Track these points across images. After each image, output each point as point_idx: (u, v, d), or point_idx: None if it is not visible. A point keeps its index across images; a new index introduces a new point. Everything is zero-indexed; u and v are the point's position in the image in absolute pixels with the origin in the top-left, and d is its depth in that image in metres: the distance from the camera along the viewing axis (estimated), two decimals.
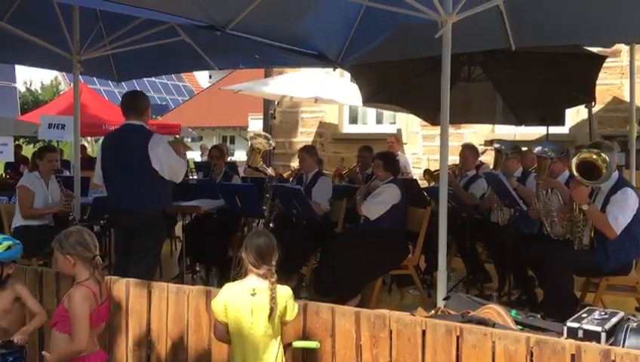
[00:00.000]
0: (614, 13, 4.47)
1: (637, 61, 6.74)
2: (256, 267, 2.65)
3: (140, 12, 4.48)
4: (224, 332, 2.72)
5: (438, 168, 7.16)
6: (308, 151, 6.17)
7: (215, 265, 6.13)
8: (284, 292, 2.71)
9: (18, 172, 10.18)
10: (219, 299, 2.69)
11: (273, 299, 2.62)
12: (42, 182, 5.55)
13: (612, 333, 2.58)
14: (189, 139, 15.99)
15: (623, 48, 8.05)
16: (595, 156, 4.20)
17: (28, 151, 16.54)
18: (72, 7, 5.42)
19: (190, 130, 16.37)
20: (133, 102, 4.58)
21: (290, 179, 7.01)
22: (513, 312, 2.98)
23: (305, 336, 2.98)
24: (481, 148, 8.56)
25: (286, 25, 5.09)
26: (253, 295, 2.64)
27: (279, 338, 2.71)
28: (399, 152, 9.34)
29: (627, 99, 7.47)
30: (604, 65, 6.44)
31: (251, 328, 2.62)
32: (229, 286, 2.73)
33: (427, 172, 8.16)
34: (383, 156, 5.63)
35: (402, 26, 4.86)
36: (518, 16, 4.76)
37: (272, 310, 2.62)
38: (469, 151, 6.33)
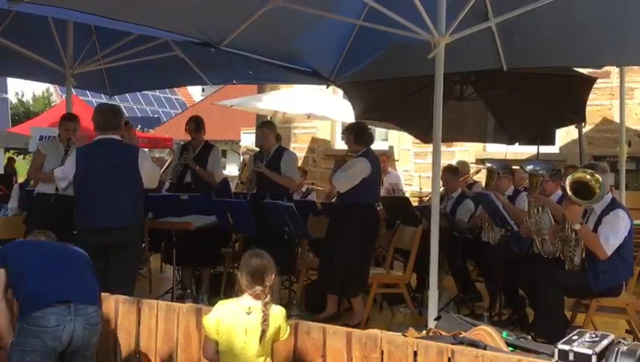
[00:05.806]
0: (604, 36, 4.54)
1: (626, 83, 6.83)
2: (250, 288, 2.64)
3: (135, 28, 4.49)
4: (214, 352, 2.68)
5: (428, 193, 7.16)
6: (269, 126, 5.91)
7: (205, 280, 6.08)
8: (278, 312, 2.69)
9: (10, 185, 10.03)
10: (212, 317, 2.66)
11: (265, 321, 2.60)
12: (61, 147, 5.30)
13: (603, 356, 2.57)
14: None
15: (613, 70, 8.14)
16: (588, 176, 4.23)
17: (18, 163, 16.37)
18: (66, 22, 5.43)
19: (182, 143, 16.33)
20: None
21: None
22: (504, 333, 2.97)
23: (295, 356, 2.95)
24: (473, 167, 8.60)
25: (280, 43, 5.12)
26: (248, 313, 2.61)
27: (269, 359, 2.69)
28: (390, 169, 9.38)
29: (617, 120, 7.55)
30: (595, 86, 6.51)
31: (244, 348, 2.59)
32: (222, 304, 2.70)
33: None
34: (352, 129, 5.36)
35: (395, 45, 4.91)
36: (509, 38, 4.82)
37: (263, 332, 2.59)
38: (448, 174, 6.22)
